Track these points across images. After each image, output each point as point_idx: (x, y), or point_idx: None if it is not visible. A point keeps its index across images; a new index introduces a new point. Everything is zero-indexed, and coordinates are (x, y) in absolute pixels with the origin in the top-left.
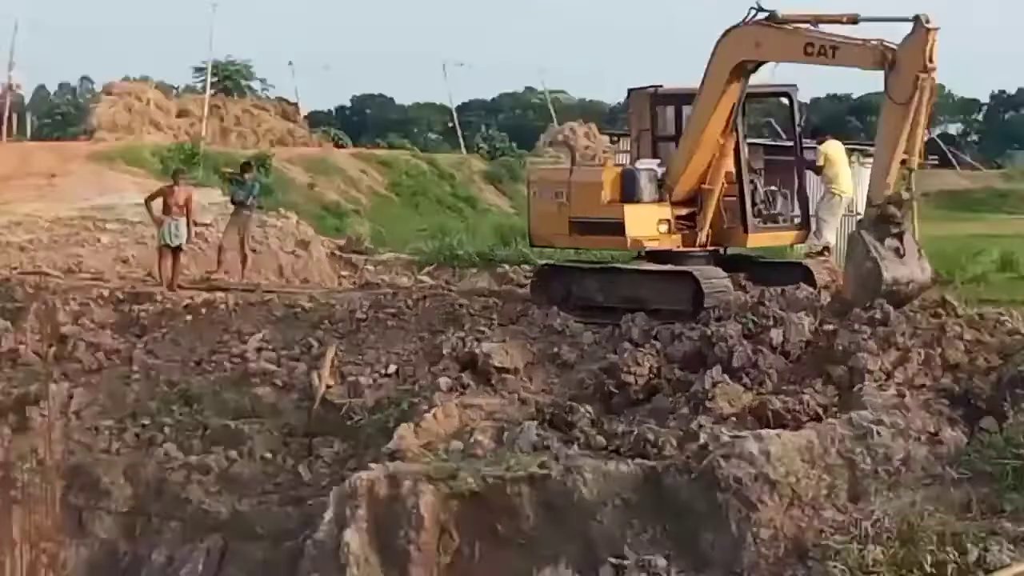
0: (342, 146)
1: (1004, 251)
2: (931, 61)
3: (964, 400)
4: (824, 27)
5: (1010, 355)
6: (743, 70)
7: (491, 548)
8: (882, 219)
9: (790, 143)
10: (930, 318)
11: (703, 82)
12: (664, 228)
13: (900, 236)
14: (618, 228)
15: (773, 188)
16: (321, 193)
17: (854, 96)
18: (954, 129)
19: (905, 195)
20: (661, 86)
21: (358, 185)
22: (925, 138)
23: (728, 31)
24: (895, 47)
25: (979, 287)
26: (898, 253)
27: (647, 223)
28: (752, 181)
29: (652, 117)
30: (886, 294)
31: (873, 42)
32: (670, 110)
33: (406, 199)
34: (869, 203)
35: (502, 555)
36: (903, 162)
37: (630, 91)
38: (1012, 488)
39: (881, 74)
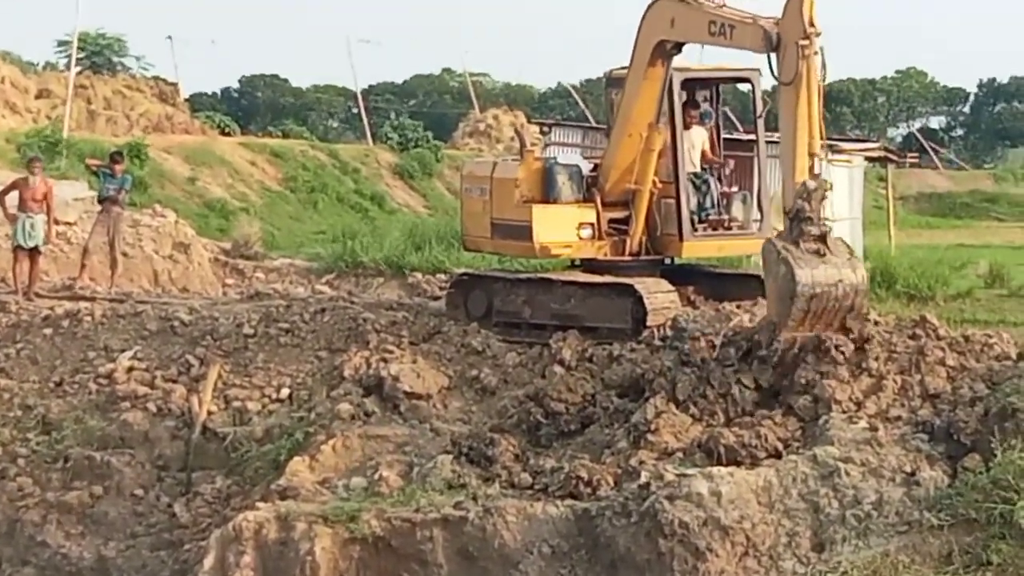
0: (228, 134)
1: (993, 263)
2: (811, 25)
3: (946, 435)
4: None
5: (998, 383)
6: (663, 50)
7: None
8: (795, 220)
9: (750, 136)
10: (908, 340)
11: (629, 65)
12: (587, 233)
13: (821, 237)
14: (526, 232)
15: (735, 189)
16: (204, 188)
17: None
18: (936, 123)
19: (811, 184)
20: (621, 68)
21: (247, 179)
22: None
23: (650, 5)
24: (776, 21)
25: (964, 305)
26: (818, 254)
27: (563, 227)
28: (705, 180)
29: (607, 105)
30: (808, 299)
31: (761, 20)
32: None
33: (302, 196)
34: (785, 214)
35: None
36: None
37: (609, 74)
38: (999, 537)
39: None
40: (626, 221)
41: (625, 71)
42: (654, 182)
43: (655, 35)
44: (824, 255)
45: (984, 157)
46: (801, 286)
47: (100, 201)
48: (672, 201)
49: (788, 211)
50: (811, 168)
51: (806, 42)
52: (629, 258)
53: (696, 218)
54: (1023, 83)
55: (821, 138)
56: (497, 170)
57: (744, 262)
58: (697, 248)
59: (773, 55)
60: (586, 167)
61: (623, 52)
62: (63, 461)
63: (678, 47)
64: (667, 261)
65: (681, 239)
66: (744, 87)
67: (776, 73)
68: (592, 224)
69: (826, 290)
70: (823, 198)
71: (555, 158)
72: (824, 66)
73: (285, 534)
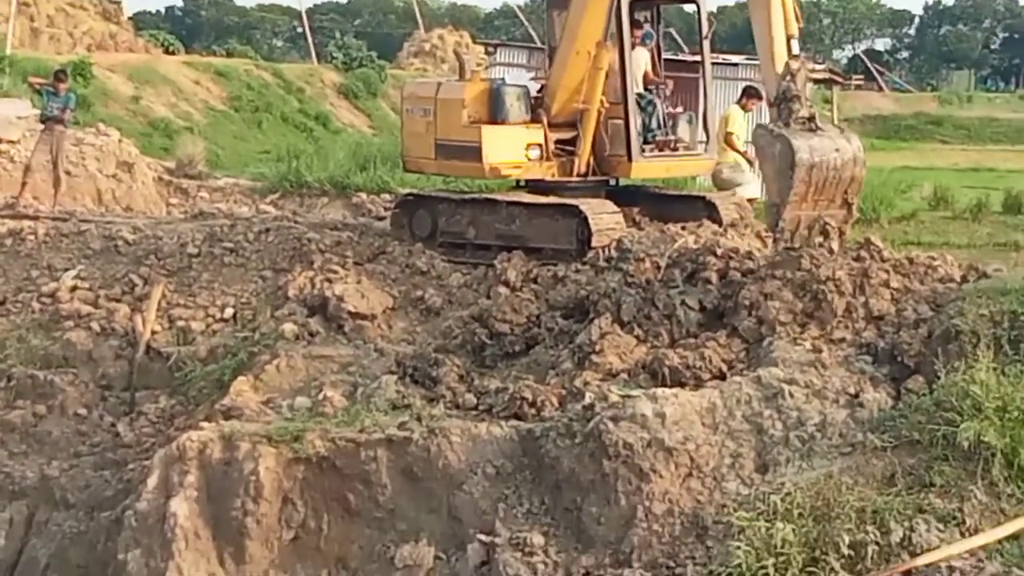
0: (172, 53)
1: (937, 186)
2: None
3: (889, 357)
4: None
5: (942, 306)
6: None
7: (341, 521)
8: (782, 100)
9: (695, 57)
10: (852, 262)
11: None
12: (535, 154)
13: (810, 117)
14: (476, 152)
15: (681, 110)
16: (147, 107)
17: None
18: (881, 44)
19: (794, 64)
20: None
21: (191, 99)
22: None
23: None
24: None
25: (908, 227)
26: (811, 129)
27: (512, 148)
28: (651, 101)
29: (549, 25)
30: (808, 168)
31: None
32: (563, 16)
33: (247, 115)
34: (769, 104)
35: (354, 530)
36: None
37: None
38: (942, 459)
39: None
40: (572, 142)
41: None
42: (601, 102)
43: None
44: (816, 129)
45: (929, 79)
46: (800, 155)
47: (43, 120)
48: (619, 122)
49: (774, 97)
50: (790, 50)
51: None
52: (577, 179)
53: (643, 139)
54: (968, 6)
55: (797, 21)
56: (442, 91)
57: (689, 183)
58: (646, 169)
59: None
60: (533, 87)
61: None
62: (6, 380)
63: None
64: (612, 182)
65: (630, 159)
66: (690, 8)
67: None
68: (540, 145)
69: (824, 159)
70: (807, 77)
71: (503, 78)
72: None
73: (229, 454)
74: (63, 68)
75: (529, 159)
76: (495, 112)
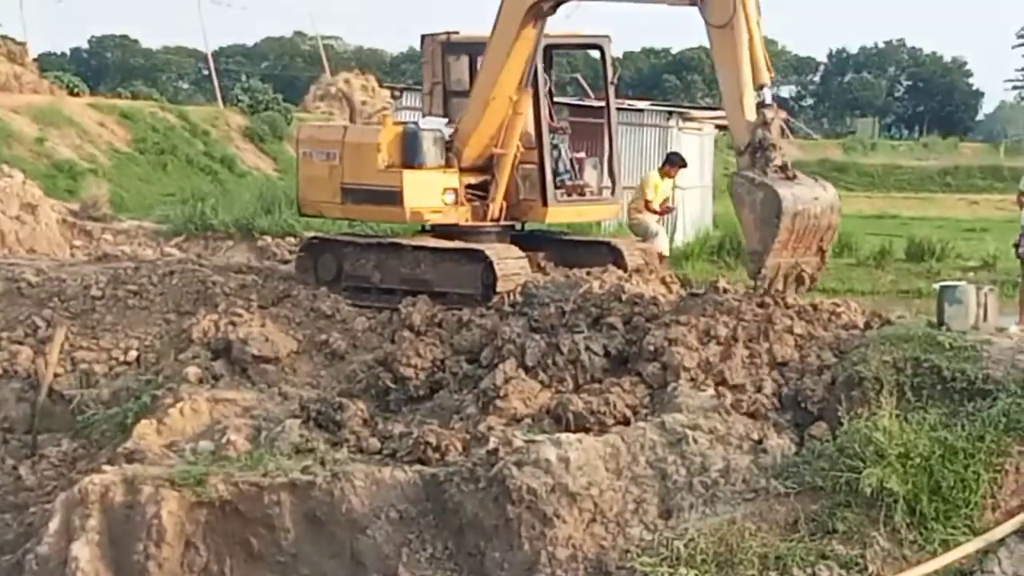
0: (77, 94)
1: (841, 232)
2: None
3: (793, 403)
4: None
5: (846, 352)
6: (538, 11)
7: (244, 565)
8: (755, 150)
9: (600, 103)
10: (756, 308)
11: (494, 27)
12: (451, 199)
13: (783, 166)
14: (396, 197)
15: (580, 155)
16: (52, 149)
17: (673, 51)
18: (787, 92)
19: (769, 113)
20: (456, 32)
21: (95, 140)
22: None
23: None
24: None
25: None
26: (787, 176)
27: (430, 192)
28: (555, 146)
29: (444, 69)
30: (792, 217)
31: None
32: (464, 61)
33: (152, 158)
34: (737, 152)
35: (257, 574)
36: (756, 87)
37: (423, 37)
38: (845, 505)
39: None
40: (481, 187)
41: (462, 36)
42: (517, 147)
43: None
44: (794, 177)
45: (834, 126)
46: (786, 203)
47: None
48: (531, 166)
49: (745, 145)
50: (763, 99)
51: None
52: (490, 223)
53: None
54: (872, 54)
55: (768, 71)
56: (351, 134)
57: (595, 229)
58: (559, 214)
59: (699, 3)
60: (447, 132)
61: (475, 16)
62: None
63: (555, 7)
64: (517, 227)
65: (545, 204)
66: (595, 53)
67: (708, 19)
68: (455, 189)
69: (806, 207)
70: (780, 128)
71: (415, 123)
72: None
73: (131, 497)
74: None
75: (445, 203)
76: (411, 156)
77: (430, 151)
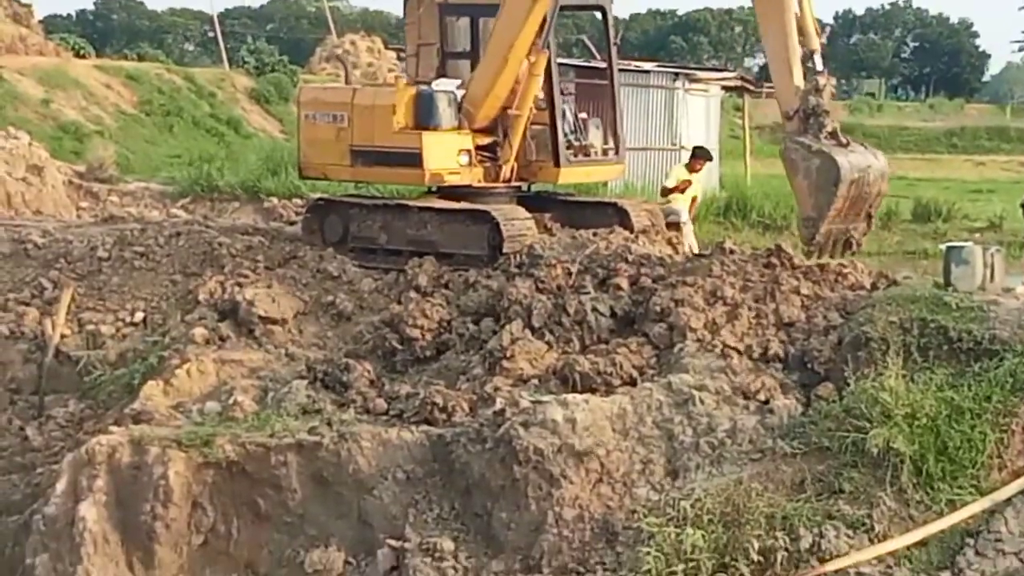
0: (83, 56)
1: None
2: None
3: (799, 363)
4: None
5: (852, 313)
6: None
7: (251, 526)
8: (806, 116)
9: (604, 64)
10: (762, 269)
11: None
12: (465, 160)
13: (833, 133)
14: (414, 159)
15: (585, 116)
16: (58, 111)
17: (679, 13)
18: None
19: (821, 79)
20: None
21: (101, 102)
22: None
23: None
24: None
25: None
26: (839, 143)
27: (448, 154)
28: (563, 107)
29: (442, 30)
30: (850, 184)
31: None
32: (464, 22)
33: (158, 120)
34: (786, 117)
35: (263, 534)
36: (808, 52)
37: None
38: (851, 465)
39: None
40: (489, 148)
41: None
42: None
43: None
44: (847, 144)
45: (840, 87)
46: (844, 171)
47: None
48: (543, 127)
49: (794, 111)
50: (814, 65)
51: None
52: (502, 185)
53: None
54: (879, 15)
55: (817, 35)
56: (361, 96)
57: (602, 190)
58: (571, 174)
59: None
60: (460, 93)
61: None
62: None
63: None
64: (523, 189)
65: (557, 165)
66: (597, 15)
67: None
68: (469, 151)
69: (862, 175)
70: (832, 93)
71: (429, 84)
72: None
73: (138, 458)
74: None
75: (460, 165)
76: (427, 118)
77: (445, 112)
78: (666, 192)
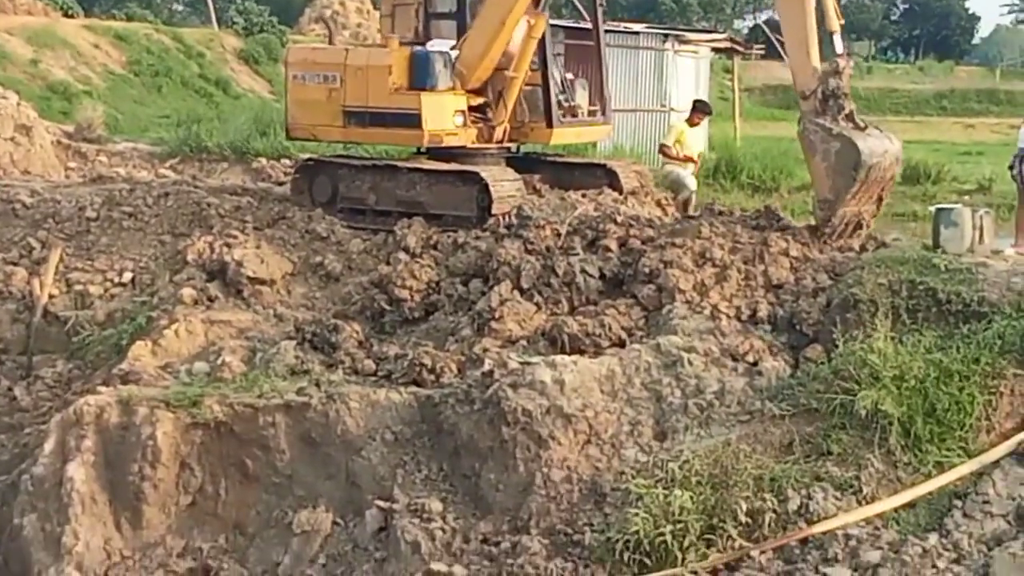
0: (72, 16)
1: None
2: None
3: (788, 325)
4: None
5: (841, 275)
6: None
7: (239, 486)
8: (825, 98)
9: (590, 26)
10: (751, 231)
11: None
12: (460, 121)
13: (851, 115)
14: (413, 120)
15: (572, 76)
16: (46, 70)
17: None
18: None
19: (841, 62)
20: None
21: (90, 62)
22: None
23: None
24: None
25: (808, 196)
26: (858, 127)
27: (444, 114)
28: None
29: None
30: (868, 168)
31: None
32: None
33: (146, 80)
34: (802, 96)
35: (252, 495)
36: (827, 33)
37: None
38: (840, 427)
39: None
40: (481, 108)
41: None
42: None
43: None
44: (865, 128)
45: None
46: (864, 156)
47: None
48: (534, 88)
49: (811, 91)
50: (834, 46)
51: None
52: (495, 145)
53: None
54: None
55: (838, 17)
56: (355, 57)
57: (591, 151)
58: (563, 135)
59: None
60: (453, 54)
61: None
62: None
63: None
64: (512, 150)
65: (550, 126)
66: None
67: None
68: (463, 112)
69: (879, 160)
70: (851, 74)
71: (423, 45)
72: None
73: (126, 418)
74: None
75: (455, 126)
76: (423, 79)
77: (441, 73)
78: (665, 151)
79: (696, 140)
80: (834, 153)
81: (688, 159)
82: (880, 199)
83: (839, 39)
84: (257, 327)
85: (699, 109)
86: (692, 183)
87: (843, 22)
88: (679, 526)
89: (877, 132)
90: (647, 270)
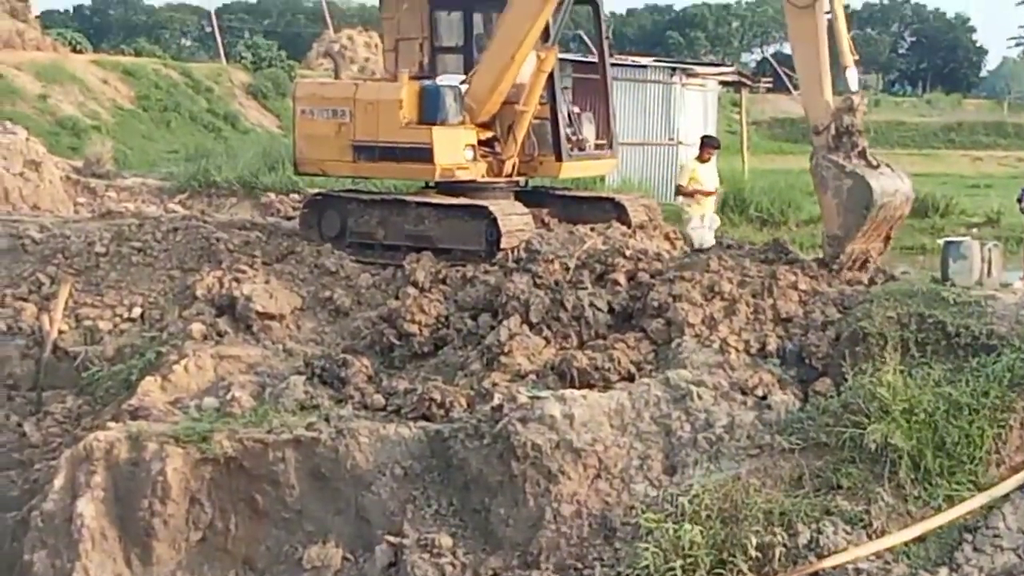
0: (80, 51)
1: None
2: None
3: (797, 359)
4: None
5: (850, 308)
6: None
7: (249, 522)
8: (839, 135)
9: (597, 60)
10: (760, 264)
11: None
12: (470, 155)
13: (863, 152)
14: (424, 154)
15: (578, 110)
16: (55, 106)
17: (676, 8)
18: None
19: (855, 99)
20: None
21: (99, 97)
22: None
23: None
24: None
25: (816, 230)
26: (870, 164)
27: (456, 148)
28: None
29: (432, 24)
30: (880, 208)
31: None
32: (455, 17)
33: (155, 115)
34: (815, 131)
35: (262, 530)
36: (841, 68)
37: None
38: (849, 460)
39: None
40: (489, 143)
41: None
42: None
43: None
44: (877, 166)
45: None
46: (876, 195)
47: None
48: (543, 122)
49: (823, 126)
50: (848, 83)
51: None
52: (504, 179)
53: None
54: (876, 10)
55: (852, 53)
56: (364, 91)
57: (600, 185)
58: (572, 169)
59: None
60: (463, 88)
61: None
62: None
63: None
64: (521, 183)
65: (559, 159)
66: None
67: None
68: (473, 146)
69: (890, 199)
70: (864, 111)
71: (434, 80)
72: None
73: (136, 454)
74: None
75: (466, 160)
76: (434, 113)
77: (452, 107)
78: (681, 191)
79: (709, 175)
80: (846, 190)
81: (707, 193)
82: (888, 237)
83: (853, 75)
84: (266, 362)
85: (708, 144)
86: (698, 221)
87: (858, 57)
88: (689, 560)
89: (889, 170)
90: (656, 304)
